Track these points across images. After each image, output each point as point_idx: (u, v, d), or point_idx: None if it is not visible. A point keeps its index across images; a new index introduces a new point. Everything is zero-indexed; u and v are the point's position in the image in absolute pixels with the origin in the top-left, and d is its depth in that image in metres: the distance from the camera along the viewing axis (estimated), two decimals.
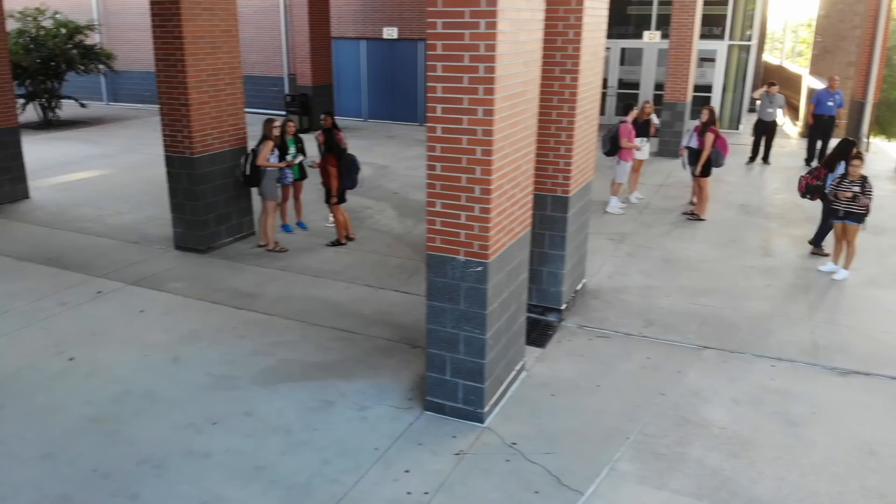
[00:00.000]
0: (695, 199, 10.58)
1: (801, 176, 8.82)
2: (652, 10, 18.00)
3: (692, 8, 13.87)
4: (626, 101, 11.68)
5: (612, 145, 10.35)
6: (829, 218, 8.44)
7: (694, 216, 10.32)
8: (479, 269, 4.84)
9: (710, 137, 9.93)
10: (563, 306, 7.05)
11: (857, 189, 7.70)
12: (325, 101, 18.06)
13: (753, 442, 4.99)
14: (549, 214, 6.81)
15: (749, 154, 14.19)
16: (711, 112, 9.99)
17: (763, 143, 13.94)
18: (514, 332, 5.58)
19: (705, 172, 10.10)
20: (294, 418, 5.24)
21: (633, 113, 10.52)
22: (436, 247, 4.92)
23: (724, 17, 17.33)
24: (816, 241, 8.83)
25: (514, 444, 4.94)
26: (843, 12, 22.83)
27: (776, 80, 25.58)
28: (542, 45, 5.24)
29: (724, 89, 17.89)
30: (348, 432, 5.07)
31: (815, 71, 21.65)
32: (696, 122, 10.26)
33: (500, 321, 5.20)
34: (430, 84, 4.61)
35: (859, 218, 7.82)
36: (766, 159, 14.00)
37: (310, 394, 5.56)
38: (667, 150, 14.50)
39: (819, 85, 16.37)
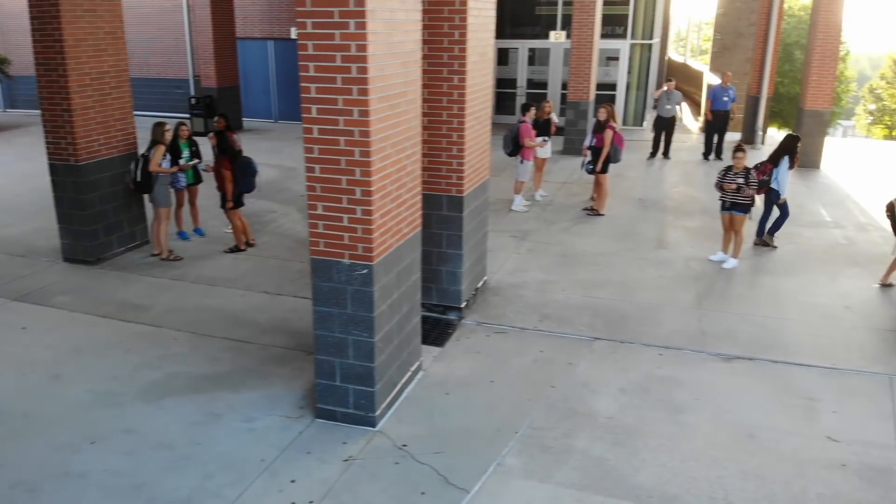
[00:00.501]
0: (595, 195, 10.82)
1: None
2: (557, 11, 18.34)
3: (592, 8, 14.20)
4: (525, 102, 11.83)
5: (514, 145, 10.49)
6: (770, 210, 8.94)
7: (594, 212, 10.57)
8: (365, 271, 4.79)
9: (608, 135, 10.18)
10: (464, 304, 7.08)
11: (741, 181, 8.04)
12: (231, 102, 17.64)
13: (638, 430, 5.12)
14: (445, 214, 6.82)
15: (650, 150, 14.64)
16: (608, 110, 10.25)
17: (663, 138, 14.41)
18: (407, 334, 5.56)
19: (604, 169, 10.35)
20: (178, 434, 5.06)
21: (531, 113, 10.69)
22: (319, 251, 4.85)
23: (626, 16, 17.81)
24: (760, 233, 9.18)
25: (404, 445, 4.92)
26: (741, 10, 23.96)
27: (680, 77, 26.53)
28: (421, 46, 5.23)
29: (628, 87, 18.39)
30: (234, 445, 4.93)
31: (715, 68, 22.60)
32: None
33: (390, 323, 5.17)
34: (303, 84, 4.53)
35: (745, 208, 8.17)
36: (666, 154, 14.48)
37: (196, 407, 5.39)
38: (572, 148, 14.79)
39: (717, 81, 17.07)
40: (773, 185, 8.78)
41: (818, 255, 8.85)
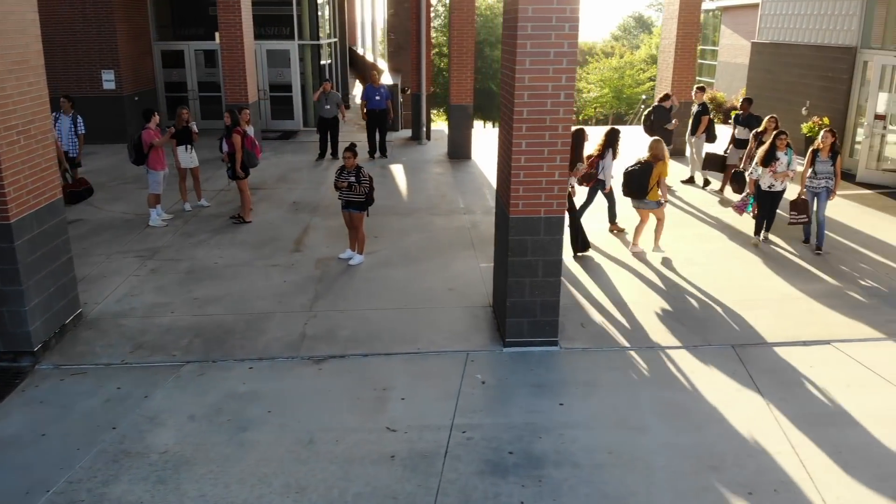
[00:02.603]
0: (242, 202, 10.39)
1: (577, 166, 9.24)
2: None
3: (237, 8, 13.66)
4: (146, 108, 10.97)
5: (136, 154, 9.68)
6: (590, 202, 9.30)
7: (239, 219, 10.13)
8: None
9: (237, 139, 9.78)
10: (38, 347, 6.20)
11: (352, 179, 8.08)
12: None
13: (191, 461, 4.75)
14: None
15: (318, 151, 14.56)
16: (232, 114, 9.86)
17: (328, 139, 14.40)
18: None
19: (244, 173, 9.94)
20: None
21: (156, 118, 9.94)
22: None
23: (290, 17, 17.59)
24: (612, 220, 9.70)
25: None
26: (409, 11, 24.94)
27: (371, 75, 27.02)
28: None
29: (304, 88, 18.23)
30: None
31: (392, 67, 23.35)
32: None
33: None
34: None
35: (360, 206, 8.24)
36: (334, 154, 14.47)
37: None
38: None
39: (389, 81, 17.56)
40: (600, 177, 9.14)
41: (443, 241, 9.26)
